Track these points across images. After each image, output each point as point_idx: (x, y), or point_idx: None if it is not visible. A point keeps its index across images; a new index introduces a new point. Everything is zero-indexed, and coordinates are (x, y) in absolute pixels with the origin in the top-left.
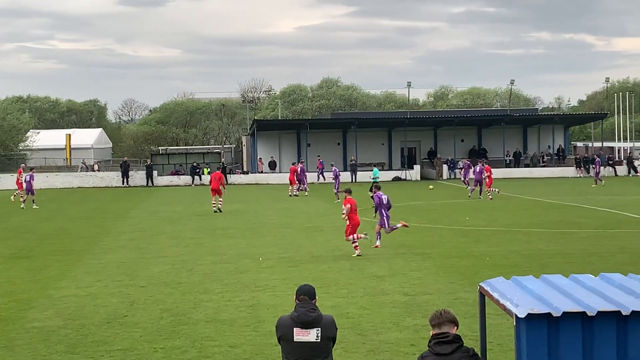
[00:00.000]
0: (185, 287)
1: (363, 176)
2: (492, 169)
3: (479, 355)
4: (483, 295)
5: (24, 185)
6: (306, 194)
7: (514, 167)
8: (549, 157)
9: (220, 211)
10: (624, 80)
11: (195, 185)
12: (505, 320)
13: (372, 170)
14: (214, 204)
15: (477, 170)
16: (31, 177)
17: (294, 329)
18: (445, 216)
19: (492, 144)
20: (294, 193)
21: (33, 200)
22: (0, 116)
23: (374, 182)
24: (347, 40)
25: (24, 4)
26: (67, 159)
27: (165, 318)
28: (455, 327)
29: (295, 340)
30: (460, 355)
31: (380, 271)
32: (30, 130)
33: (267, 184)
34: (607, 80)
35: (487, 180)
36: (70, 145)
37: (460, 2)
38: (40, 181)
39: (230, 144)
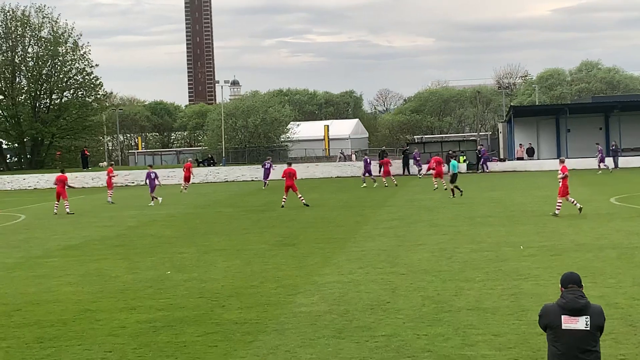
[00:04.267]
0: (445, 275)
1: (626, 162)
2: None
3: None
4: None
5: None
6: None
7: None
8: None
9: (307, 205)
10: None
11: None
12: None
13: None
14: (284, 199)
15: None
16: (155, 175)
17: (562, 316)
18: None
19: None
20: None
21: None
22: (262, 109)
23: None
24: (607, 21)
25: (283, 1)
26: (325, 149)
27: (427, 305)
28: None
29: (563, 327)
30: None
31: None
32: (291, 122)
33: (525, 171)
34: None
35: None
36: (328, 136)
37: None
38: (301, 172)
39: (486, 132)
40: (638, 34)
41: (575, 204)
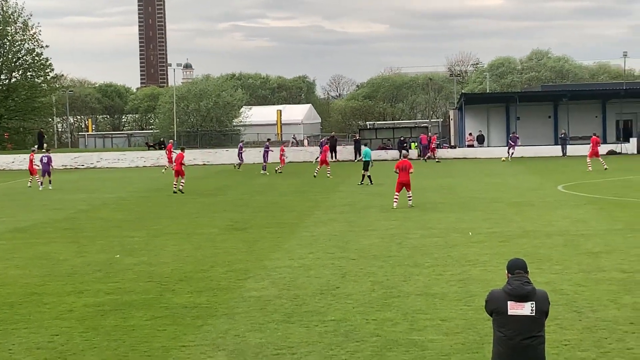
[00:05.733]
0: (395, 260)
1: (574, 150)
2: None
3: None
4: None
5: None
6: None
7: None
8: None
9: (182, 192)
10: None
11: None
12: None
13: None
14: (175, 184)
15: None
16: (48, 158)
17: (508, 302)
18: None
19: None
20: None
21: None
22: (215, 93)
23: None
24: (559, 11)
25: None
26: (278, 134)
27: (376, 290)
28: None
29: (509, 313)
30: None
31: (595, 247)
32: (243, 106)
33: (475, 158)
34: None
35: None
36: (280, 121)
37: None
38: (253, 156)
39: (437, 118)
40: (590, 24)
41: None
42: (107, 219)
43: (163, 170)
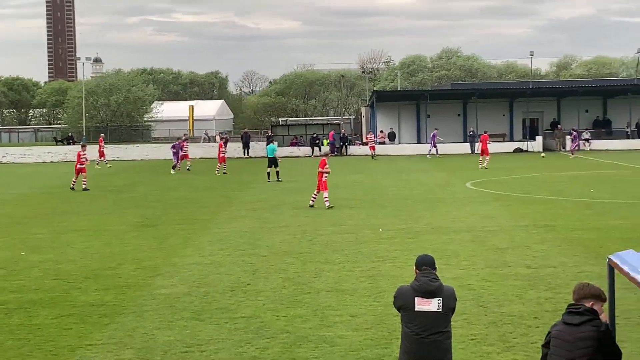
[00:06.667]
0: (306, 257)
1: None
2: (613, 141)
3: (611, 332)
4: (612, 268)
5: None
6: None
7: (637, 138)
8: None
9: (87, 189)
10: None
11: (315, 156)
12: (632, 294)
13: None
14: (73, 181)
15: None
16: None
17: (416, 298)
18: (570, 188)
19: (617, 114)
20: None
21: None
22: (125, 88)
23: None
24: (468, 10)
25: None
26: (190, 130)
27: (287, 287)
28: (595, 302)
29: (416, 309)
30: (588, 328)
31: (502, 243)
32: (155, 102)
33: (386, 155)
34: None
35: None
36: (192, 117)
37: None
38: (164, 152)
39: (350, 115)
40: (496, 23)
41: None
42: (10, 215)
43: (108, 165)
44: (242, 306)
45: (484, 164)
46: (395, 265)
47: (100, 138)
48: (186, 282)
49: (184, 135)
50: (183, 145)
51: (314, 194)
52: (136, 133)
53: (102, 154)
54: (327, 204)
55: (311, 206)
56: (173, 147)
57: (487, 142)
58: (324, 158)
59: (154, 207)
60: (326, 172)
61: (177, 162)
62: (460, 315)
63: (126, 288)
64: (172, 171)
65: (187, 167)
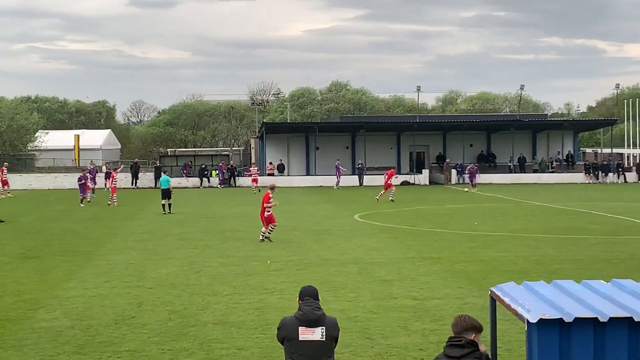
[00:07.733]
0: (193, 289)
1: (370, 180)
2: (497, 175)
3: None
4: (494, 300)
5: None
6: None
7: (519, 172)
8: (558, 163)
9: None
10: (634, 86)
11: (204, 187)
12: (514, 326)
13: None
14: None
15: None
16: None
17: (299, 328)
18: (454, 221)
19: (501, 149)
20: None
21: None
22: (8, 116)
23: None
24: (357, 44)
25: (33, 5)
26: (75, 159)
27: (173, 320)
28: (476, 334)
29: (300, 339)
30: None
31: (388, 275)
32: (39, 130)
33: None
34: (617, 86)
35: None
36: (78, 146)
37: (471, 6)
38: (49, 182)
39: (239, 147)
40: (384, 58)
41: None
42: None
43: (8, 194)
44: (126, 339)
45: (391, 196)
46: (283, 297)
47: (3, 168)
48: (69, 315)
49: (90, 165)
50: (95, 176)
51: (262, 231)
52: (19, 162)
53: (5, 183)
54: (260, 236)
55: (262, 240)
56: (79, 179)
57: (395, 176)
58: (268, 192)
59: (36, 238)
60: (269, 207)
61: (85, 193)
62: (346, 347)
63: (6, 321)
64: (82, 204)
65: (108, 202)
